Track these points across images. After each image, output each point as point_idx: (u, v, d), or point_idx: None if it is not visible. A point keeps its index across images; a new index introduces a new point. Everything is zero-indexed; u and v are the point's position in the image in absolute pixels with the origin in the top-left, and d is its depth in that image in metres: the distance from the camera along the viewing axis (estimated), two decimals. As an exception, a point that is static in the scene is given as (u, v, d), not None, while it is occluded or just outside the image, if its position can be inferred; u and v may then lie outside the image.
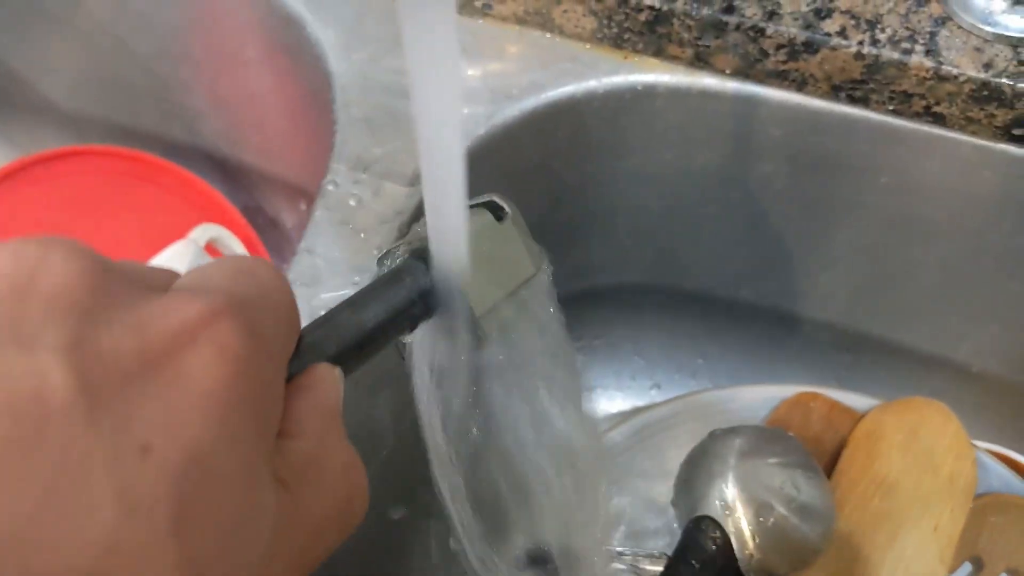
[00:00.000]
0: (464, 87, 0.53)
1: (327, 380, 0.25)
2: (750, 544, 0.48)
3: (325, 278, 0.48)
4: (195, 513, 0.18)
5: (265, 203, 0.78)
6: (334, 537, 0.24)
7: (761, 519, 0.48)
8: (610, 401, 0.74)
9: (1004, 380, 0.64)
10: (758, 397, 0.58)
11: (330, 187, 0.50)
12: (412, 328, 0.32)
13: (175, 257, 0.65)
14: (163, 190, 0.72)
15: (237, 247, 0.71)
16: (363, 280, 0.48)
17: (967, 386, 0.66)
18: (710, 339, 0.71)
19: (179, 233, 0.69)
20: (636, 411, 0.59)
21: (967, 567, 0.53)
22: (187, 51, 0.65)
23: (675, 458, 0.54)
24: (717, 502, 0.49)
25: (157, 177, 0.72)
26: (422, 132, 0.27)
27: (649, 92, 0.53)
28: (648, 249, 0.65)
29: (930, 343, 0.65)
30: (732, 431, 0.51)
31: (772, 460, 0.49)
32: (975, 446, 0.54)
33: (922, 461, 0.53)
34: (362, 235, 0.49)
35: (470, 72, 0.54)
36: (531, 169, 0.56)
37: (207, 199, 0.73)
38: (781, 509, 0.48)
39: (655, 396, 0.73)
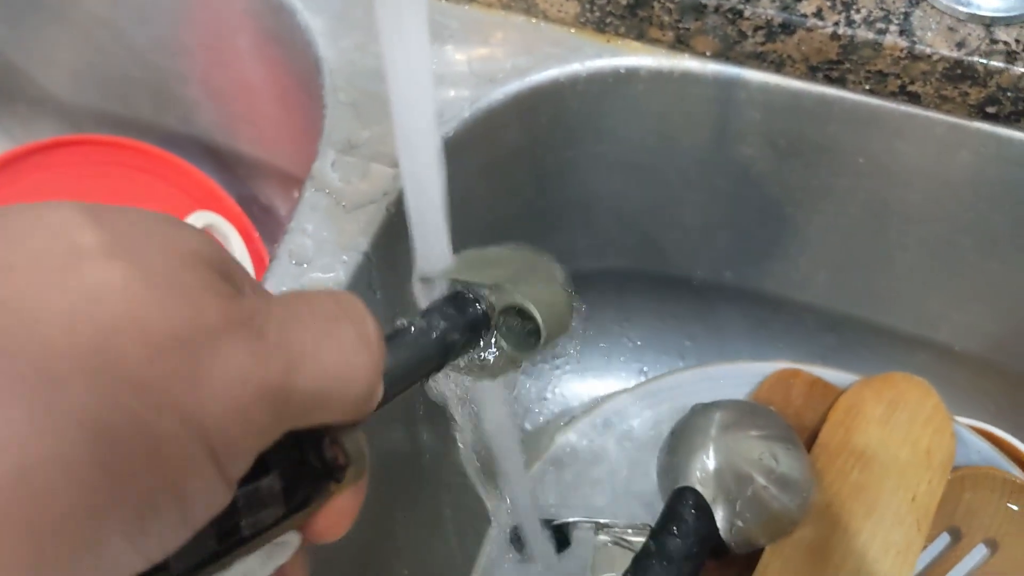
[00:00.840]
0: (450, 72, 0.54)
1: None
2: (731, 513, 0.49)
3: (314, 257, 0.49)
4: None
5: (260, 191, 0.79)
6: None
7: (741, 490, 0.49)
8: (601, 383, 0.75)
9: (986, 359, 0.66)
10: (742, 373, 0.59)
11: (319, 169, 0.51)
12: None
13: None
14: (159, 179, 0.73)
15: (232, 234, 0.73)
16: (351, 259, 0.49)
17: (950, 365, 0.67)
18: (696, 321, 0.72)
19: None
20: (624, 390, 0.60)
21: (945, 538, 0.55)
22: (182, 42, 0.66)
23: (660, 434, 0.55)
24: (698, 473, 0.50)
25: (152, 166, 0.73)
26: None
27: (631, 75, 0.55)
28: (632, 233, 0.66)
29: (913, 323, 0.66)
30: (713, 405, 0.52)
31: (753, 433, 0.50)
32: (954, 420, 0.55)
33: (900, 434, 0.54)
34: (350, 215, 0.50)
35: (456, 57, 0.55)
36: (515, 153, 0.58)
37: (202, 188, 0.74)
38: (760, 480, 0.49)
39: (643, 378, 0.74)
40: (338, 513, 0.24)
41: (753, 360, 0.66)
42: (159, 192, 0.73)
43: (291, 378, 0.20)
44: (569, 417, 0.69)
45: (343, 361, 0.22)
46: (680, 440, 0.51)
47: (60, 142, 0.72)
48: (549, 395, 0.74)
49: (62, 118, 0.77)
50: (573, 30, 0.55)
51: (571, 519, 0.55)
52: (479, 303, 0.34)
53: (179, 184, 0.73)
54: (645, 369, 0.75)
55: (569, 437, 0.58)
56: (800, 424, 0.57)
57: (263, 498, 0.22)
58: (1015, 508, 0.54)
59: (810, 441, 0.55)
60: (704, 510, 0.49)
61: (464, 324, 0.33)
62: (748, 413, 0.51)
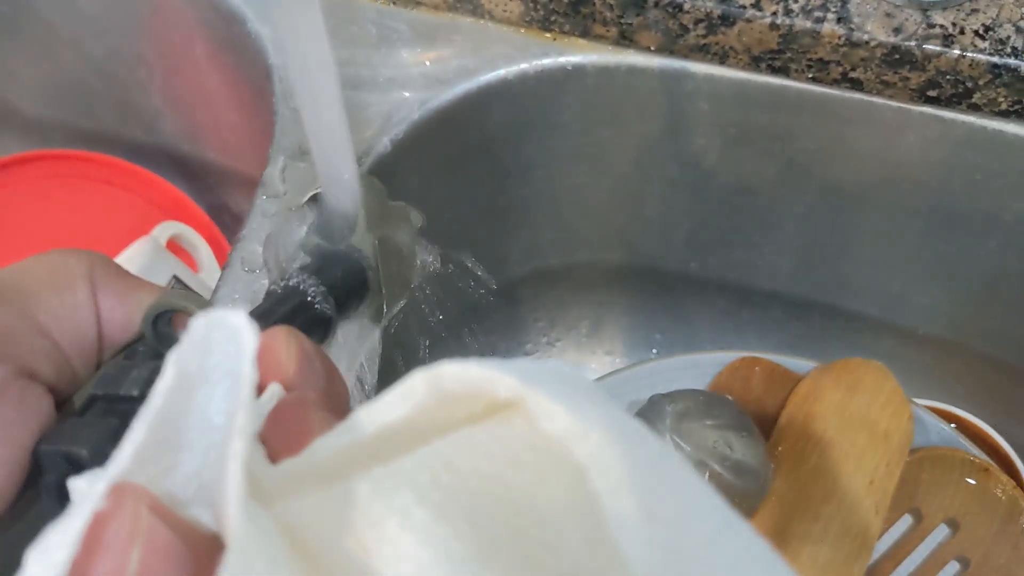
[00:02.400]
0: (400, 74, 0.55)
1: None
2: (689, 504, 0.49)
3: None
4: None
5: (229, 199, 0.79)
6: None
7: (697, 479, 0.49)
8: (574, 379, 0.76)
9: (949, 341, 0.66)
10: (703, 363, 0.60)
11: (270, 175, 0.51)
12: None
13: (136, 255, 0.67)
14: (125, 191, 0.74)
15: (200, 244, 0.73)
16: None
17: (914, 349, 0.68)
18: (665, 313, 0.73)
19: (143, 233, 0.71)
20: (585, 384, 0.61)
21: (907, 519, 0.55)
22: (139, 52, 0.67)
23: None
24: (655, 464, 0.50)
25: (118, 178, 0.73)
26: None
27: (579, 72, 0.55)
28: (595, 227, 0.66)
29: (876, 308, 0.66)
30: (669, 396, 0.52)
31: (707, 422, 0.51)
32: (913, 402, 0.56)
33: (858, 419, 0.54)
34: (301, 220, 0.50)
35: (406, 59, 0.55)
36: (470, 152, 0.58)
37: (169, 198, 0.74)
38: (715, 466, 0.50)
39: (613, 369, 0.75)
40: None
41: (717, 350, 0.67)
42: (125, 204, 0.73)
43: None
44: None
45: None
46: (637, 432, 0.52)
47: (25, 157, 0.72)
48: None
49: (28, 133, 0.78)
50: (520, 29, 0.55)
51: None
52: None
53: (145, 195, 0.74)
54: (617, 362, 0.76)
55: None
56: (760, 411, 0.57)
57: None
58: (973, 482, 0.54)
59: (771, 427, 0.56)
60: (661, 500, 0.50)
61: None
62: (703, 403, 0.52)
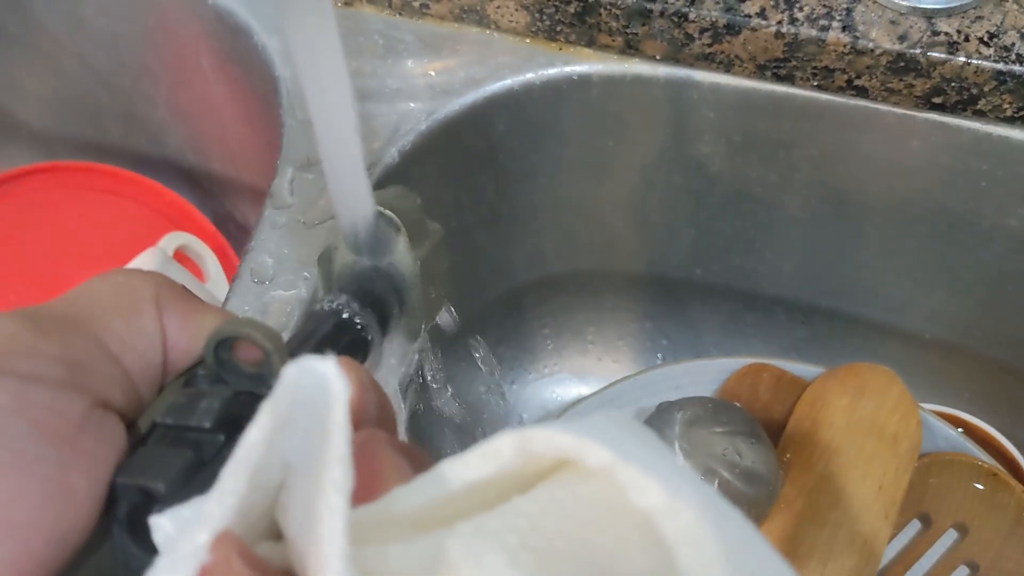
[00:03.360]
0: (407, 86, 0.55)
1: None
2: (698, 511, 0.50)
3: (275, 275, 0.50)
4: None
5: (235, 209, 0.80)
6: None
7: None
8: (581, 384, 0.76)
9: (955, 345, 0.66)
10: (709, 370, 0.60)
11: (278, 187, 0.52)
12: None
13: (144, 265, 0.67)
14: (132, 202, 0.74)
15: (206, 254, 0.73)
16: (312, 275, 0.49)
17: (920, 352, 0.68)
18: (670, 319, 0.73)
19: (150, 243, 0.71)
20: (593, 393, 0.61)
21: (916, 524, 0.55)
22: (145, 64, 0.67)
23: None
24: (664, 472, 0.50)
25: (125, 189, 0.74)
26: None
27: (584, 81, 0.55)
28: (600, 234, 0.66)
29: (881, 312, 0.67)
30: (678, 403, 0.53)
31: (716, 429, 0.51)
32: (920, 407, 0.56)
33: (866, 424, 0.54)
34: (311, 231, 0.50)
35: (413, 70, 0.56)
36: (475, 161, 0.58)
37: (176, 208, 0.74)
38: (725, 474, 0.50)
39: (620, 376, 0.75)
40: None
41: (723, 356, 0.67)
42: (133, 214, 0.73)
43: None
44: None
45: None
46: (646, 439, 0.52)
47: (32, 170, 0.73)
48: (527, 399, 0.75)
49: (35, 145, 0.78)
50: (526, 40, 0.56)
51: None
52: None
53: (152, 206, 0.74)
54: (623, 369, 0.76)
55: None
56: (768, 418, 0.57)
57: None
58: (981, 487, 0.54)
59: (778, 434, 0.56)
60: (671, 507, 0.50)
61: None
62: (711, 410, 0.52)
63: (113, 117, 0.74)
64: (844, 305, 0.67)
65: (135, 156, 0.76)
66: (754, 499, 0.50)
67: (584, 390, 0.75)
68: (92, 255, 0.72)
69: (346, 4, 0.58)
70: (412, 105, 0.54)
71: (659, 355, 0.75)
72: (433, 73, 0.55)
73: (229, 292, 0.49)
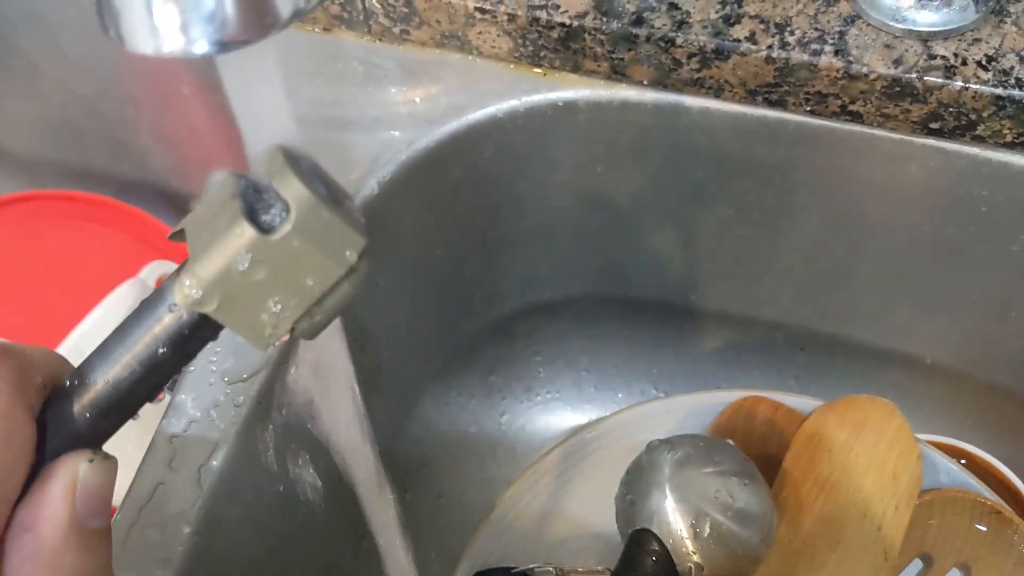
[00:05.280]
0: (387, 114, 0.54)
1: (54, 508, 0.23)
2: (690, 554, 0.48)
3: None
4: None
5: (222, 235, 0.78)
6: None
7: (698, 529, 0.48)
8: (575, 412, 0.74)
9: (957, 371, 0.64)
10: (703, 404, 0.58)
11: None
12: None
13: (123, 297, 0.66)
14: (115, 230, 0.73)
15: (191, 281, 0.72)
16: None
17: (922, 378, 0.66)
18: (666, 346, 0.71)
19: (132, 273, 0.70)
20: (584, 426, 0.59)
21: (917, 564, 0.53)
22: (127, 91, 0.66)
23: (619, 471, 0.54)
24: (655, 514, 0.48)
25: (108, 218, 0.72)
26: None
27: (570, 108, 0.54)
28: (593, 261, 0.65)
29: (881, 337, 0.65)
30: (667, 442, 0.51)
31: (708, 469, 0.49)
32: (920, 441, 0.54)
33: (864, 460, 0.52)
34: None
35: (392, 98, 0.54)
36: (461, 189, 0.57)
37: (160, 236, 0.73)
38: (718, 516, 0.48)
39: (615, 405, 0.73)
40: None
41: (727, 384, 0.65)
42: (115, 243, 0.72)
43: None
44: (538, 454, 0.68)
45: None
46: (635, 480, 0.50)
47: (14, 199, 0.71)
48: (520, 427, 0.73)
49: (18, 171, 0.77)
50: (510, 65, 0.54)
51: (530, 566, 0.53)
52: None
53: (136, 233, 0.73)
54: (619, 396, 0.74)
55: (528, 480, 0.57)
56: (764, 453, 0.55)
57: None
58: (983, 529, 0.52)
59: (774, 471, 0.54)
60: (662, 552, 0.48)
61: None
62: (703, 448, 0.50)
63: (97, 143, 0.73)
64: (844, 330, 0.65)
65: (120, 182, 0.75)
66: (748, 542, 0.48)
67: (579, 418, 0.74)
68: (74, 285, 0.71)
69: (325, 30, 0.56)
70: (394, 134, 0.53)
71: (655, 382, 0.73)
72: (415, 101, 0.54)
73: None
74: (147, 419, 0.61)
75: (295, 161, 0.25)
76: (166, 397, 0.52)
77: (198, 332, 0.25)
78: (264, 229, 0.24)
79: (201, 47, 0.21)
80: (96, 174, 0.75)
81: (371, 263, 0.27)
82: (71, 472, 0.24)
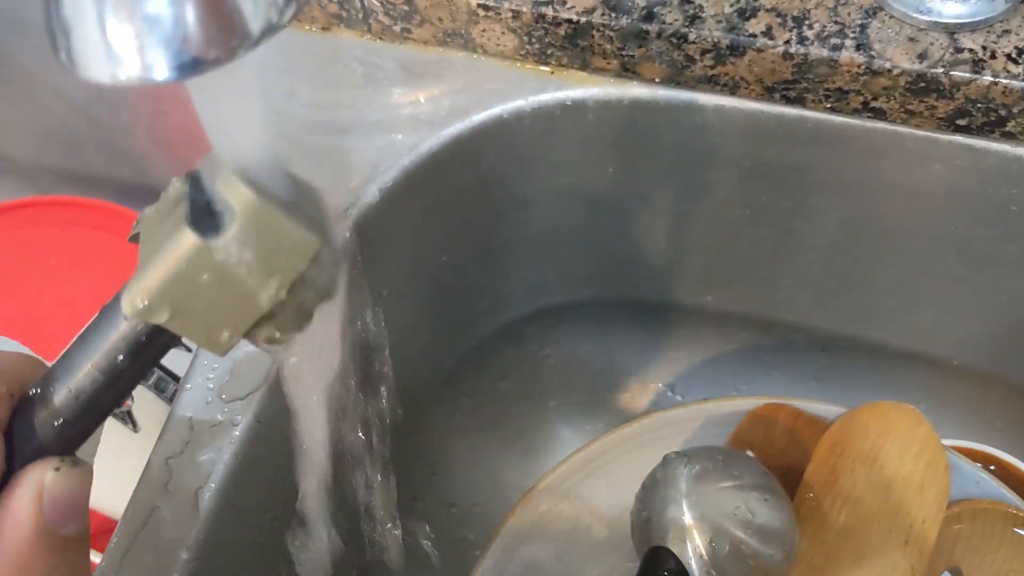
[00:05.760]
0: (387, 117, 0.52)
1: (22, 516, 0.24)
2: (709, 572, 0.46)
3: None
4: None
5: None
6: None
7: (716, 546, 0.46)
8: (590, 419, 0.72)
9: (985, 373, 0.62)
10: (722, 412, 0.56)
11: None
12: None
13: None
14: (115, 235, 0.71)
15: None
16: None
17: (949, 380, 0.64)
18: (681, 349, 0.69)
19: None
20: (599, 437, 0.57)
21: (946, 578, 0.51)
22: (122, 95, 0.64)
23: (635, 484, 0.52)
24: (672, 531, 0.47)
25: (107, 223, 0.71)
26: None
27: (579, 107, 0.51)
28: (603, 263, 0.63)
29: (906, 339, 0.62)
30: (684, 455, 0.49)
31: (726, 484, 0.47)
32: (949, 448, 0.52)
33: (889, 471, 0.50)
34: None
35: (394, 100, 0.52)
36: (465, 194, 0.55)
37: (160, 241, 0.71)
38: (738, 533, 0.46)
39: (631, 410, 0.71)
40: None
41: (745, 387, 0.63)
42: (116, 248, 0.70)
43: None
44: (551, 460, 0.66)
45: None
46: (651, 495, 0.48)
47: (14, 205, 0.70)
48: (533, 434, 0.71)
49: (16, 177, 0.76)
50: (515, 64, 0.52)
51: (544, 583, 0.52)
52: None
53: (136, 239, 0.71)
54: (634, 400, 0.72)
55: (538, 495, 0.55)
56: (784, 464, 0.53)
57: None
58: (1021, 532, 0.50)
59: (795, 482, 0.52)
60: (680, 571, 0.46)
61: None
62: (721, 462, 0.48)
63: (94, 148, 0.71)
64: (866, 332, 0.63)
65: (119, 186, 0.74)
66: (770, 560, 0.46)
67: (593, 423, 0.72)
68: (76, 291, 0.70)
69: (323, 29, 0.54)
70: (394, 137, 0.51)
71: (671, 385, 0.71)
72: (417, 102, 0.52)
73: (198, 347, 0.46)
74: (149, 433, 0.60)
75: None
76: (132, 402, 0.51)
77: (156, 339, 0.24)
78: (209, 235, 0.23)
79: (161, 72, 0.19)
80: (95, 179, 0.73)
81: (336, 264, 0.25)
82: (37, 480, 0.24)
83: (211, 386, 0.45)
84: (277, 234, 0.23)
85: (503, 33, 0.50)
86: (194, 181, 0.24)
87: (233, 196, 0.22)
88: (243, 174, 0.22)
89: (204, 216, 0.23)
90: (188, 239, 0.22)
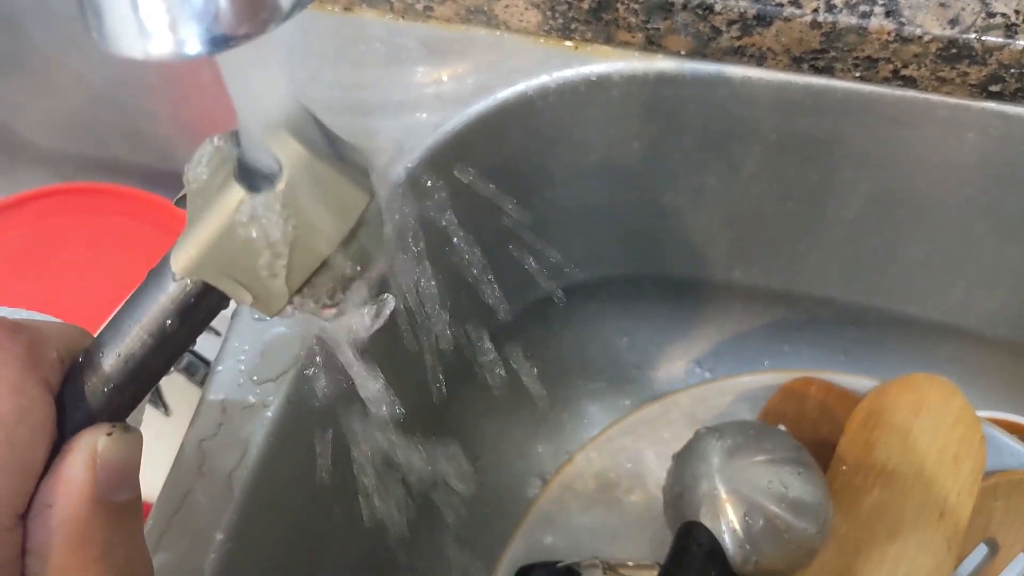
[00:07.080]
0: (411, 96, 0.51)
1: (76, 483, 0.23)
2: (743, 546, 0.46)
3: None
4: None
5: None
6: None
7: (750, 520, 0.45)
8: (618, 394, 0.72)
9: (1018, 344, 0.61)
10: (754, 386, 0.56)
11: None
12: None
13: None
14: (141, 221, 0.71)
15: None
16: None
17: (982, 352, 0.63)
18: (709, 324, 0.69)
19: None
20: (630, 413, 0.57)
21: (982, 549, 0.51)
22: (144, 80, 0.64)
23: (666, 461, 0.52)
24: (705, 506, 0.46)
25: (133, 209, 0.71)
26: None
27: (604, 82, 0.51)
28: (629, 240, 0.62)
29: (937, 312, 0.62)
30: (716, 430, 0.48)
31: (759, 458, 0.47)
32: (983, 420, 0.51)
33: (924, 444, 0.50)
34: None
35: (417, 79, 0.52)
36: (489, 171, 0.54)
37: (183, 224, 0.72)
38: (772, 508, 0.46)
39: (659, 387, 0.71)
40: None
41: (774, 362, 0.63)
42: (142, 235, 0.70)
43: None
44: (580, 439, 0.66)
45: None
46: (684, 470, 0.48)
47: (36, 194, 0.70)
48: (560, 410, 0.71)
49: (41, 165, 0.76)
50: (539, 40, 0.52)
51: (576, 560, 0.52)
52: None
53: (163, 224, 0.71)
54: (661, 376, 0.72)
55: (571, 470, 0.55)
56: (816, 437, 0.53)
57: None
58: (1056, 511, 0.50)
59: (827, 456, 0.52)
60: (714, 546, 0.46)
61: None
62: (753, 436, 0.48)
63: (117, 134, 0.71)
64: (896, 305, 0.62)
65: (144, 172, 0.74)
66: (804, 534, 0.46)
67: (621, 399, 0.71)
68: (104, 279, 0.70)
69: (345, 9, 0.54)
70: (419, 116, 0.50)
71: (699, 361, 0.71)
72: (441, 80, 0.51)
73: (229, 331, 0.46)
74: (181, 417, 0.60)
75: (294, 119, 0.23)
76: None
77: (204, 301, 0.24)
78: (258, 189, 0.22)
79: (193, 47, 0.18)
80: (119, 166, 0.73)
81: (382, 224, 0.25)
82: (90, 446, 0.24)
83: (242, 368, 0.45)
84: (327, 189, 0.23)
85: (526, 9, 0.50)
86: (236, 140, 0.24)
87: (282, 151, 0.22)
88: (292, 130, 0.22)
89: (251, 173, 0.23)
90: (237, 194, 0.22)
